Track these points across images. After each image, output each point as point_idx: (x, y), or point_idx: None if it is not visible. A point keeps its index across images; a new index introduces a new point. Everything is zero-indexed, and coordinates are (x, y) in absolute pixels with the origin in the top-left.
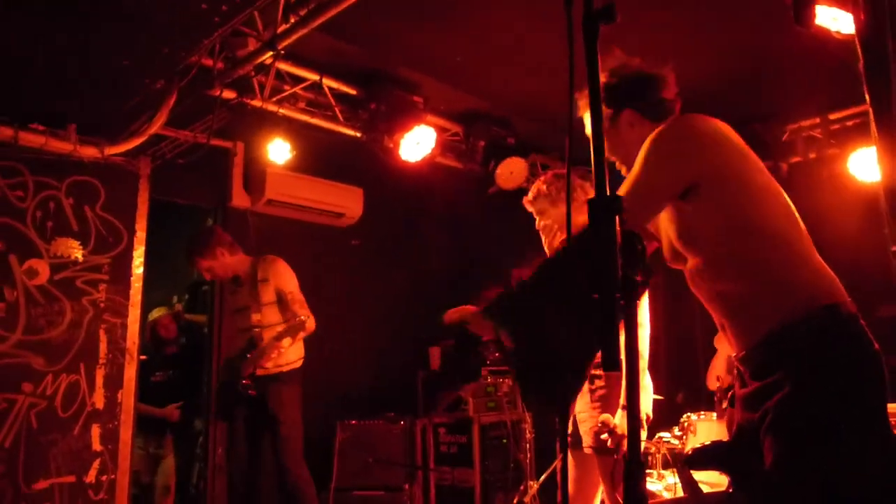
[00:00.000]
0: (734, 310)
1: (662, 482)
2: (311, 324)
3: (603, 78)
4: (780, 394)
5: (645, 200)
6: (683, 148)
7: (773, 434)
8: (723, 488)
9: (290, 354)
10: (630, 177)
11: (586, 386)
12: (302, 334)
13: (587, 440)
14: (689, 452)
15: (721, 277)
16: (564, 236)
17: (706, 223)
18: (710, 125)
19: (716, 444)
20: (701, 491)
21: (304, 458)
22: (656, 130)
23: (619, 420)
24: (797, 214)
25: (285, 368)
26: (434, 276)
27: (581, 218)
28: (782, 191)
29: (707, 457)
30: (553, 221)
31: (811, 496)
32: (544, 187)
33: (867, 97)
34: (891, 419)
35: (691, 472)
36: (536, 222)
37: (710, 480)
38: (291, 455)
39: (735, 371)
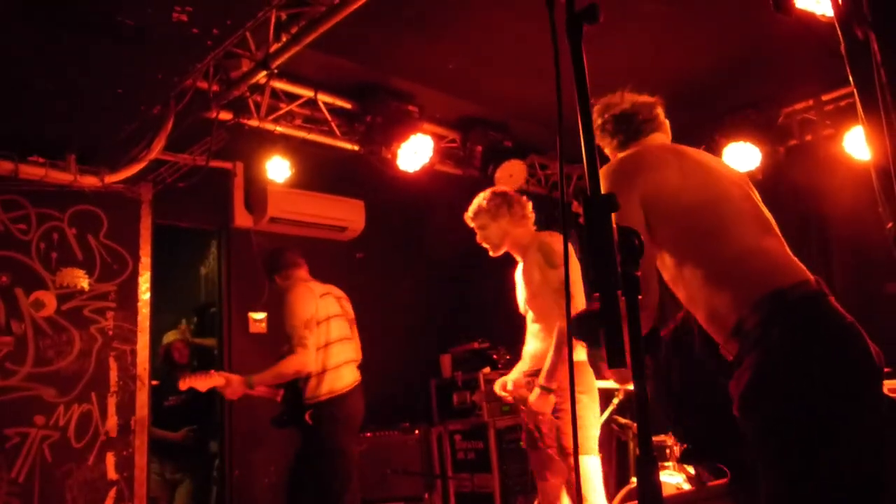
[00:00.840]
0: (699, 311)
1: (682, 475)
2: (292, 362)
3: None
4: (744, 384)
5: None
6: (615, 183)
7: (743, 424)
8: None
9: (320, 387)
10: None
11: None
12: (284, 370)
13: (548, 441)
14: (685, 448)
15: (681, 286)
16: (505, 249)
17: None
18: (627, 160)
19: (706, 440)
20: (705, 483)
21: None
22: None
23: (532, 398)
24: (745, 203)
25: (311, 401)
26: (440, 284)
27: (519, 231)
28: (731, 184)
29: (702, 451)
30: (494, 235)
31: (794, 488)
32: (484, 203)
33: (851, 78)
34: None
35: (689, 466)
36: (477, 236)
37: None
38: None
39: None
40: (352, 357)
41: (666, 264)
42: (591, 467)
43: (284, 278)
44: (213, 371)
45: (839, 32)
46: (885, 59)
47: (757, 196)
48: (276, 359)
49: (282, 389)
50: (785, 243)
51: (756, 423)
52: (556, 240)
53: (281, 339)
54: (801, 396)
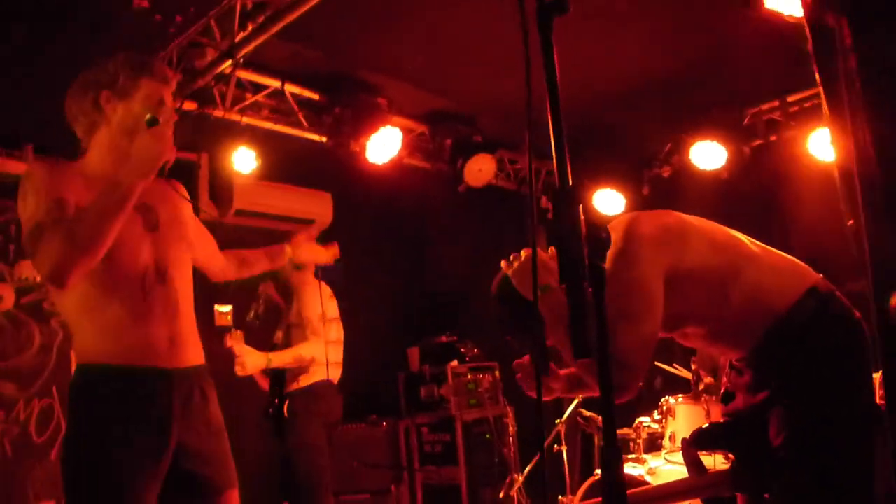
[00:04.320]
0: (724, 339)
1: (644, 466)
2: (311, 348)
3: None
4: (777, 386)
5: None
6: (645, 254)
7: (780, 424)
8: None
9: (303, 379)
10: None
11: None
12: (304, 353)
13: None
14: (694, 434)
15: (706, 329)
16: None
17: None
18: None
19: (718, 426)
20: (706, 470)
21: None
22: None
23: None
24: (735, 234)
25: (290, 392)
26: (408, 277)
27: (115, 144)
28: (716, 226)
29: (711, 437)
30: (79, 121)
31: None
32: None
33: (817, 78)
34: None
35: (697, 452)
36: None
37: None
38: None
39: (728, 366)
40: (340, 360)
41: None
42: None
43: (298, 266)
44: (233, 332)
45: (807, 29)
46: (856, 45)
47: None
48: (269, 347)
49: (268, 378)
50: None
51: (802, 410)
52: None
53: (276, 327)
54: (849, 389)
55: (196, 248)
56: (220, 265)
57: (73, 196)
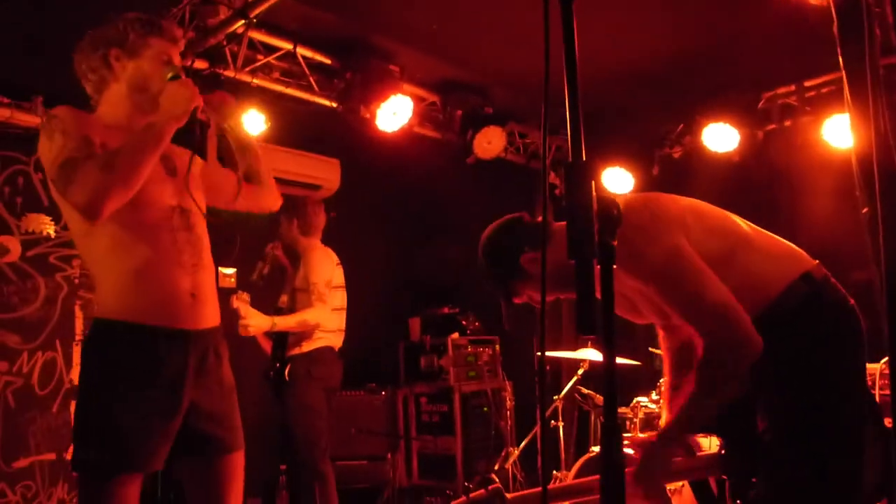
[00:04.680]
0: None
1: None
2: (315, 313)
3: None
4: (766, 371)
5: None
6: (665, 227)
7: (768, 409)
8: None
9: (304, 343)
10: (683, 298)
11: None
12: (309, 318)
13: None
14: None
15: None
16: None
17: None
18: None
19: None
20: (695, 453)
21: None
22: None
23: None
24: (729, 215)
25: (291, 355)
26: (413, 248)
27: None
28: (708, 208)
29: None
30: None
31: (807, 466)
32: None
33: (841, 62)
34: (868, 379)
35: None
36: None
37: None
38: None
39: None
40: (342, 327)
41: None
42: None
43: (306, 232)
44: (240, 294)
45: (834, 11)
46: None
47: None
48: (273, 310)
49: (271, 341)
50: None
51: (790, 395)
52: None
53: (281, 290)
54: (837, 377)
55: (221, 185)
56: (253, 192)
57: (97, 139)
